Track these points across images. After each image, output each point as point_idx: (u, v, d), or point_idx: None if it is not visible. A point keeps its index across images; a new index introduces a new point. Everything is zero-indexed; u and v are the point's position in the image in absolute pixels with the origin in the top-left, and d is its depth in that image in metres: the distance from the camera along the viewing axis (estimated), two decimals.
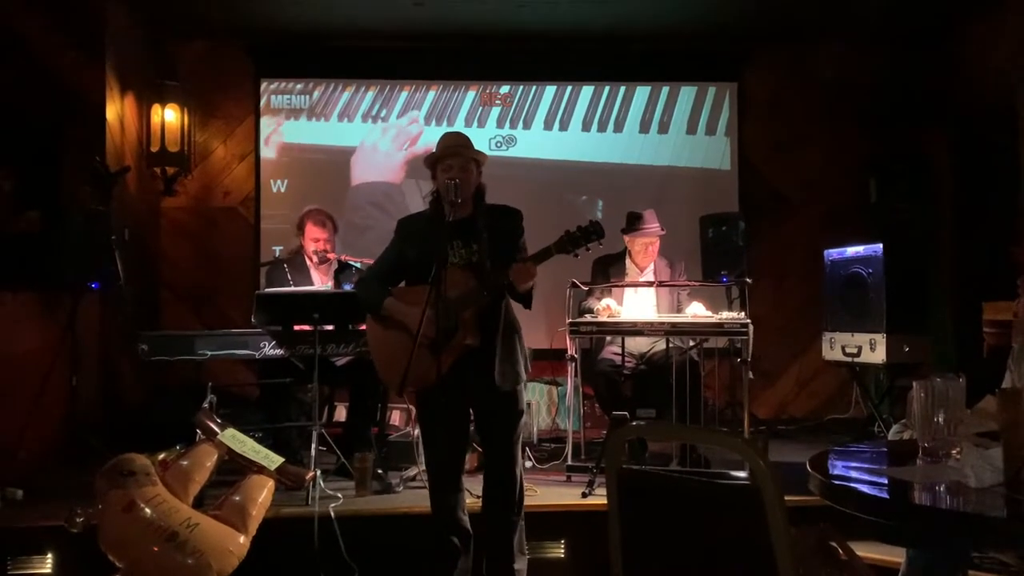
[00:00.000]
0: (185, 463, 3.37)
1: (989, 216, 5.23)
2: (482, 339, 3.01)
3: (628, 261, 4.60)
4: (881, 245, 4.85)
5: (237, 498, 3.28)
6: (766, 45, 6.17)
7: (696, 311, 4.29)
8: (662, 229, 4.54)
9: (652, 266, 4.58)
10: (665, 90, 6.25)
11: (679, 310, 4.44)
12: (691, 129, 6.24)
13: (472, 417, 3.20)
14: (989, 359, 4.41)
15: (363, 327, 3.26)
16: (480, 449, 3.51)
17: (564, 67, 6.18)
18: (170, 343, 4.10)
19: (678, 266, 4.67)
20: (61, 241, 4.59)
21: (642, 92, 6.24)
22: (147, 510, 3.10)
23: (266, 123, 6.07)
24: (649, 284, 4.52)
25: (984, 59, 5.38)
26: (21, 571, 3.32)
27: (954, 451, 1.79)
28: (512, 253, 3.08)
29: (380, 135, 6.14)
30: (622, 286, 4.53)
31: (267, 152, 6.06)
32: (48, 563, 3.33)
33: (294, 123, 6.08)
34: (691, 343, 4.28)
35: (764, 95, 6.24)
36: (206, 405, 3.76)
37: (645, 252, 4.54)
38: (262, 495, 3.32)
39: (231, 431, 3.55)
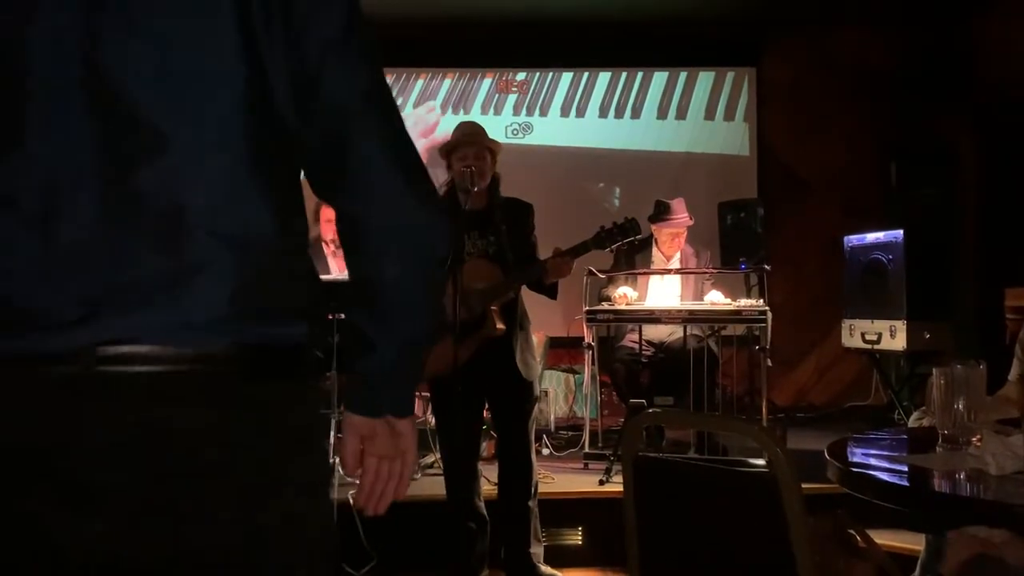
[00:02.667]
0: None
1: (1012, 202, 5.17)
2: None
3: (654, 249, 4.59)
4: (902, 231, 4.79)
5: None
6: (785, 29, 6.10)
7: (714, 298, 4.27)
8: (690, 219, 4.52)
9: (678, 255, 4.57)
10: (683, 75, 6.20)
11: (703, 298, 4.43)
12: (709, 115, 6.19)
13: (487, 405, 3.23)
14: (1011, 346, 4.36)
15: None
16: (495, 436, 3.53)
17: (581, 53, 6.14)
18: None
19: (704, 255, 4.65)
20: None
21: (660, 78, 6.19)
22: None
23: None
24: (666, 271, 4.51)
25: (1008, 41, 5.30)
26: None
27: (974, 438, 1.78)
28: (525, 246, 3.10)
29: None
30: (640, 274, 4.51)
31: None
32: None
33: None
34: (709, 331, 4.26)
35: (783, 80, 6.18)
36: None
37: (672, 242, 4.52)
38: None
39: None
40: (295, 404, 0.95)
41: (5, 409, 0.84)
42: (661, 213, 4.51)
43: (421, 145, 6.09)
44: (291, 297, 0.95)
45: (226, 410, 0.87)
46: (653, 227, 4.55)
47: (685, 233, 4.54)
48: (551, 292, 3.13)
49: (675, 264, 4.54)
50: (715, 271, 4.68)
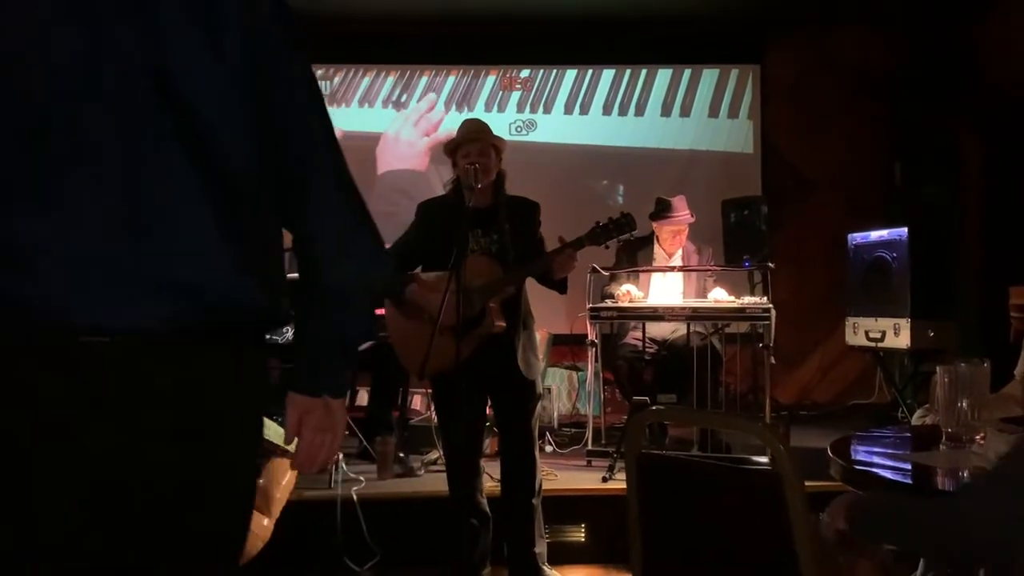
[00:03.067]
0: (260, 481, 3.41)
1: (1016, 200, 5.15)
2: (505, 327, 3.04)
3: (656, 246, 4.58)
4: (906, 229, 4.79)
5: (261, 481, 3.31)
6: (789, 27, 6.09)
7: (718, 296, 4.27)
8: (692, 216, 4.51)
9: (680, 251, 4.57)
10: (687, 73, 6.19)
11: (706, 296, 4.43)
12: (713, 112, 6.18)
13: (489, 402, 3.23)
14: (1016, 344, 4.35)
15: (383, 312, 3.27)
16: (498, 433, 3.53)
17: (585, 50, 6.14)
18: None
19: (706, 251, 4.65)
20: None
21: (663, 75, 6.19)
22: None
23: None
24: (670, 269, 4.51)
25: (1010, 41, 5.28)
26: None
27: (978, 437, 1.78)
28: (530, 245, 3.10)
29: (402, 123, 6.14)
30: (643, 271, 4.51)
31: None
32: None
33: None
34: (712, 328, 4.26)
35: (787, 77, 6.16)
36: None
37: (673, 239, 4.52)
38: (285, 478, 3.36)
39: None
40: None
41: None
42: (662, 211, 4.51)
43: (423, 143, 6.09)
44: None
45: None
46: (654, 225, 4.55)
47: (687, 230, 4.54)
48: (560, 287, 3.14)
49: (677, 261, 4.54)
50: (719, 268, 4.67)
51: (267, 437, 3.48)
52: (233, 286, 1.16)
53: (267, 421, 3.61)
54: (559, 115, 6.16)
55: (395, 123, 6.13)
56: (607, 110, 6.16)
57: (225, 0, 1.16)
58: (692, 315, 4.11)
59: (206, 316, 1.14)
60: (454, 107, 6.13)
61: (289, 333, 4.08)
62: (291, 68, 1.22)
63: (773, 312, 3.98)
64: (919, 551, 1.33)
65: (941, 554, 1.31)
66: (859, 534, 1.36)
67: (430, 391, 3.85)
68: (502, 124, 5.92)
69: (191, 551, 1.16)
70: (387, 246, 3.44)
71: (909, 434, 2.41)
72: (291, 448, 3.60)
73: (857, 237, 5.13)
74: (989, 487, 1.25)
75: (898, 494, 1.39)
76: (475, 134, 3.10)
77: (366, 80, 6.14)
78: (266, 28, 1.20)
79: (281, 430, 3.70)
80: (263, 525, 3.20)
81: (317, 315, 1.26)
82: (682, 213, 4.48)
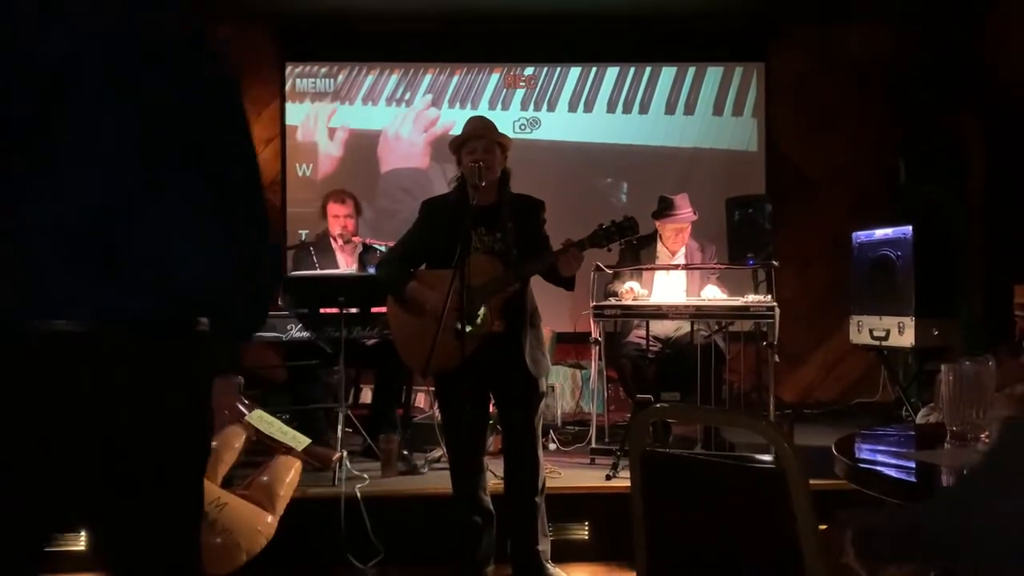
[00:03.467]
0: (213, 444, 3.41)
1: (1021, 197, 5.14)
2: (507, 326, 3.03)
3: (659, 244, 4.58)
4: (910, 227, 4.78)
5: (265, 478, 3.32)
6: (794, 25, 6.08)
7: (710, 294, 4.27)
8: (695, 214, 4.51)
9: (683, 250, 4.56)
10: (691, 71, 6.19)
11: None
12: (717, 110, 6.18)
13: (492, 400, 3.23)
14: (1021, 342, 4.35)
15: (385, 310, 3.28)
16: (501, 431, 3.53)
17: (589, 48, 6.13)
18: None
19: (709, 249, 4.64)
20: None
21: (668, 73, 6.18)
22: None
23: (291, 107, 6.10)
24: (673, 267, 4.50)
25: (1016, 40, 5.26)
26: (55, 548, 3.39)
27: (983, 435, 1.77)
28: (535, 243, 3.10)
29: (403, 121, 6.14)
30: (647, 269, 4.51)
31: (292, 136, 6.09)
32: (81, 541, 3.40)
33: (318, 106, 6.10)
34: (715, 327, 4.26)
35: (792, 76, 6.15)
36: None
37: (676, 237, 4.52)
38: (289, 475, 3.37)
39: (259, 412, 3.59)
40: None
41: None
42: (665, 209, 4.51)
43: (423, 140, 6.08)
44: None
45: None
46: (657, 223, 4.54)
47: (689, 228, 4.53)
48: (568, 284, 3.14)
49: (680, 259, 4.54)
50: (723, 267, 4.67)
51: (270, 434, 3.50)
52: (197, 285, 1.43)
53: (271, 418, 3.64)
54: (563, 113, 6.16)
55: (395, 122, 6.13)
56: (611, 108, 6.16)
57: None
58: (696, 313, 4.11)
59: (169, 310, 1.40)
60: (458, 104, 6.12)
61: (293, 331, 4.09)
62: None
63: (777, 310, 3.97)
64: (930, 562, 1.32)
65: (953, 557, 1.30)
66: (870, 559, 1.36)
67: (433, 389, 3.85)
68: (506, 122, 5.92)
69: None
70: (392, 244, 3.45)
71: (913, 432, 2.40)
72: (295, 446, 3.65)
73: (861, 235, 5.13)
74: (988, 479, 1.24)
75: (892, 509, 1.38)
76: (480, 131, 3.10)
77: (370, 78, 6.14)
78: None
79: (285, 427, 3.74)
80: (267, 522, 3.21)
81: (226, 317, 1.56)
82: (684, 211, 4.48)
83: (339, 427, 3.74)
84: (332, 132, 6.08)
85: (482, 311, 2.98)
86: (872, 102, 6.03)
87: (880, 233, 4.98)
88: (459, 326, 2.74)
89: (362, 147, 6.09)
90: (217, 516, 3.11)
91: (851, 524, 1.38)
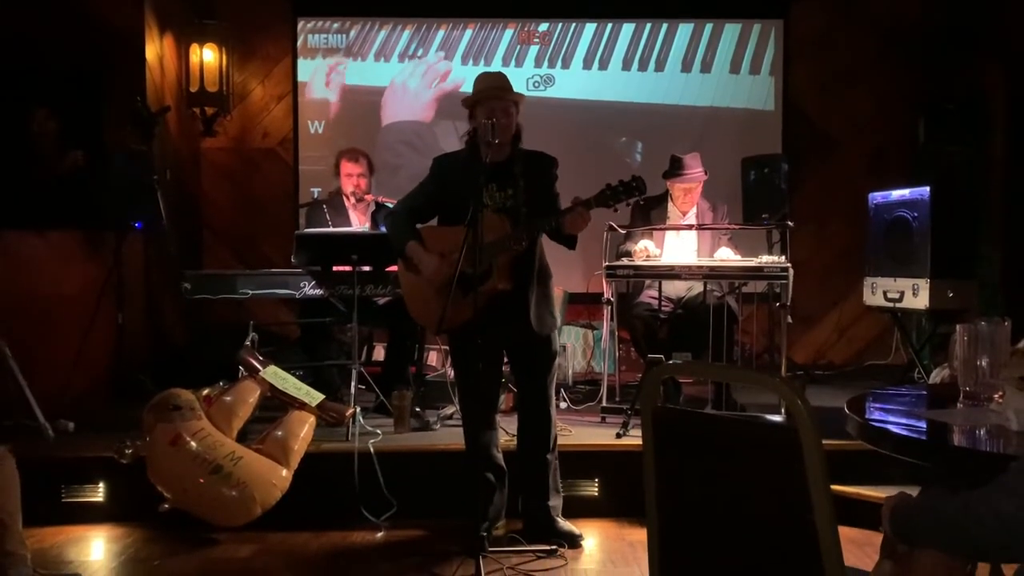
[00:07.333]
0: (228, 399, 3.46)
1: None
2: (515, 284, 3.03)
3: (670, 204, 4.54)
4: (928, 188, 4.71)
5: (279, 433, 3.36)
6: None
7: (724, 255, 4.24)
8: (705, 173, 4.46)
9: (694, 209, 4.52)
10: (708, 27, 6.08)
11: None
12: (735, 68, 6.08)
13: (506, 358, 3.24)
14: None
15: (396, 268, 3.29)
16: (514, 389, 3.55)
17: (604, 4, 6.03)
18: (212, 282, 4.17)
19: (720, 209, 4.60)
20: (104, 181, 4.66)
21: (684, 29, 6.08)
22: (192, 443, 3.20)
23: (303, 63, 6.04)
24: (688, 227, 4.47)
25: None
26: (75, 499, 3.46)
27: (996, 395, 1.77)
28: (546, 201, 3.07)
29: (410, 73, 6.07)
30: (659, 229, 4.48)
31: (304, 93, 6.05)
32: (100, 492, 3.46)
33: (330, 62, 6.05)
34: (728, 287, 4.24)
35: (811, 32, 6.04)
36: (248, 343, 3.84)
37: (685, 197, 4.47)
38: (303, 431, 3.41)
39: (273, 368, 3.63)
40: None
41: None
42: (675, 169, 4.46)
43: (429, 95, 6.01)
44: None
45: None
46: (668, 183, 4.50)
47: (699, 188, 4.48)
48: (569, 243, 3.12)
49: (691, 219, 4.50)
50: (736, 227, 4.63)
51: (284, 390, 3.53)
52: None
53: (286, 374, 3.68)
54: (577, 70, 6.08)
55: (403, 72, 6.05)
56: (626, 65, 6.07)
57: None
58: (709, 274, 4.09)
59: None
60: (471, 61, 6.05)
61: (307, 288, 4.10)
62: None
63: (791, 271, 3.95)
64: (957, 551, 1.32)
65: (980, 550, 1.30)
66: (899, 536, 1.37)
67: (446, 347, 3.87)
68: (520, 79, 5.84)
69: None
70: (397, 200, 3.45)
71: (925, 392, 2.40)
72: (309, 401, 3.74)
73: (878, 196, 5.06)
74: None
75: (939, 493, 1.36)
76: (498, 92, 3.05)
77: (382, 33, 6.07)
78: None
79: (300, 383, 3.80)
80: (282, 476, 3.26)
81: None
82: (695, 171, 4.43)
83: (352, 384, 3.77)
84: (342, 88, 6.03)
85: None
86: (891, 60, 5.92)
87: (897, 194, 4.92)
88: (470, 283, 2.74)
89: (376, 104, 6.04)
90: (232, 469, 3.16)
91: (895, 500, 1.39)
